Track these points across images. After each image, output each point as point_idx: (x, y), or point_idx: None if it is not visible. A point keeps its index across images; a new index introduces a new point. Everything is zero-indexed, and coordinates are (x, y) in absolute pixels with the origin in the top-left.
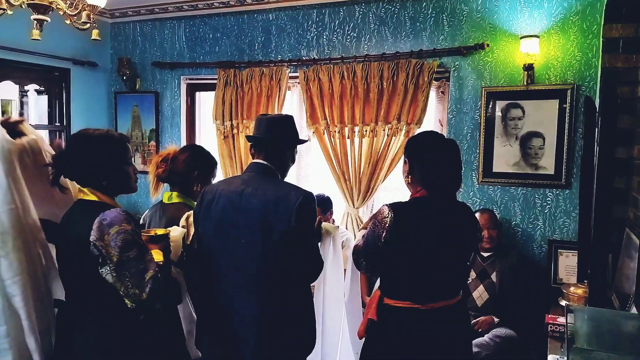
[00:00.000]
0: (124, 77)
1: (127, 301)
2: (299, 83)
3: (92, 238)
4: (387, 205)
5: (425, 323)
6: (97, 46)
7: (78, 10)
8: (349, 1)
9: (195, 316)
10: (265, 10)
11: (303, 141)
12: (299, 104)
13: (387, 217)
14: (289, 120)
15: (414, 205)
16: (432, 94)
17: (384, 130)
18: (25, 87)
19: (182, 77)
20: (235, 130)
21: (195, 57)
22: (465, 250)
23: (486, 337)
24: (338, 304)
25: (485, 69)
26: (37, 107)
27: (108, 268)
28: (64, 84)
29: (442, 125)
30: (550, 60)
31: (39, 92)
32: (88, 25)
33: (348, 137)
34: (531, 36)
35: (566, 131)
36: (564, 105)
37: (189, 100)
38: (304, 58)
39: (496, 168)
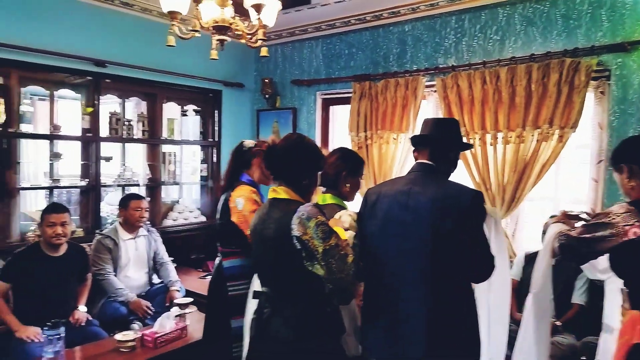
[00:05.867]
0: (266, 96)
1: (329, 285)
2: (434, 91)
3: (295, 233)
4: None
5: None
6: (244, 68)
7: (254, 30)
8: (491, 4)
9: (357, 314)
10: (401, 22)
11: (468, 146)
12: (435, 113)
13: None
14: (455, 123)
15: None
16: (589, 95)
17: (532, 135)
18: (185, 107)
19: (317, 92)
20: (369, 141)
21: (331, 73)
22: None
23: None
24: (502, 304)
25: None
26: (191, 125)
27: (316, 260)
28: (216, 104)
29: (601, 129)
30: None
31: (196, 112)
32: (260, 42)
33: (491, 144)
34: None
35: None
36: None
37: (324, 114)
38: (441, 66)
39: None
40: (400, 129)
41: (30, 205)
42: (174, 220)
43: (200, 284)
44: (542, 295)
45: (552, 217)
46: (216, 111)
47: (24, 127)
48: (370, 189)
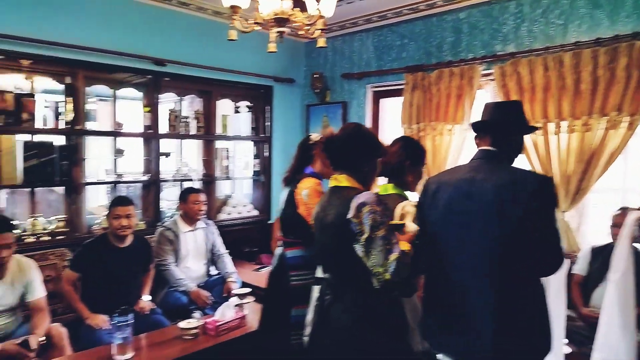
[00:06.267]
0: (316, 90)
1: (373, 280)
2: (492, 80)
3: (350, 216)
4: None
5: None
6: (294, 64)
7: (314, 21)
8: None
9: (420, 308)
10: (455, 9)
11: (533, 128)
12: None
13: None
14: (518, 105)
15: None
16: None
17: (599, 123)
18: (237, 104)
19: (368, 85)
20: (422, 133)
21: (382, 65)
22: None
23: None
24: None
25: None
26: (243, 121)
27: (359, 244)
28: (268, 100)
29: None
30: None
31: (248, 108)
32: (319, 33)
33: (554, 133)
34: None
35: None
36: None
37: (375, 107)
38: (498, 53)
39: None
40: (455, 120)
41: (92, 200)
42: (228, 214)
43: (255, 276)
44: (623, 282)
45: (620, 209)
46: (267, 107)
47: (89, 125)
48: (430, 178)
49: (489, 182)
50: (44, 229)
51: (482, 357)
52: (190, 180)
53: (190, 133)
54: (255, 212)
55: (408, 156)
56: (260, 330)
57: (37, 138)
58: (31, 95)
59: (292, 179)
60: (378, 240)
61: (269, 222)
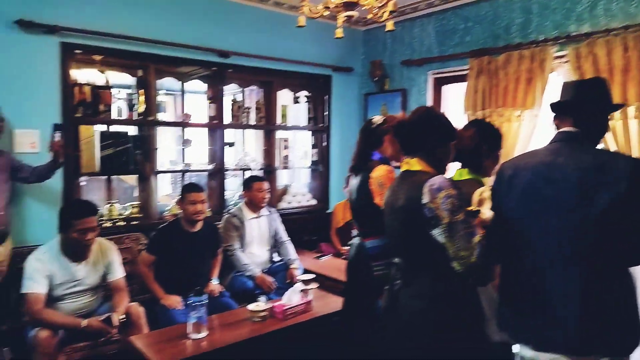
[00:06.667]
0: (375, 78)
1: (455, 264)
2: (566, 62)
3: (424, 201)
4: None
5: None
6: (352, 53)
7: (384, 2)
8: None
9: (496, 299)
10: None
11: (619, 106)
12: None
13: None
14: (600, 82)
15: None
16: None
17: None
18: (297, 94)
19: (429, 72)
20: (488, 120)
21: (444, 51)
22: None
23: None
24: None
25: None
26: (301, 111)
27: (439, 229)
28: (326, 89)
29: None
30: None
31: (307, 98)
32: (388, 15)
33: (635, 117)
34: None
35: None
36: None
37: (436, 94)
38: (572, 34)
39: None
40: (524, 105)
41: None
42: (288, 203)
43: (316, 264)
44: None
45: None
46: (326, 96)
47: (160, 116)
48: (505, 163)
49: (571, 165)
50: (120, 215)
51: (566, 346)
52: (250, 170)
53: (251, 123)
54: (314, 202)
55: (484, 140)
56: (343, 321)
57: (113, 128)
58: (107, 87)
59: (360, 167)
60: (459, 224)
61: (328, 211)
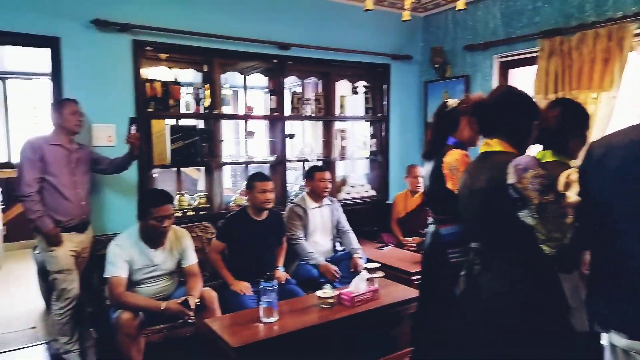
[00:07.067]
0: (436, 65)
1: (544, 247)
2: None
3: (510, 180)
4: None
5: None
6: (411, 40)
7: None
8: None
9: (581, 288)
10: None
11: None
12: None
13: None
14: None
15: None
16: None
17: None
18: (355, 84)
19: (494, 56)
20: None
21: (510, 33)
22: None
23: None
24: None
25: None
26: (359, 101)
27: (528, 211)
28: (385, 78)
29: None
30: None
31: (365, 88)
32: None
33: None
34: None
35: None
36: None
37: (502, 79)
38: None
39: None
40: (601, 87)
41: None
42: (347, 194)
43: (378, 253)
44: None
45: None
46: (385, 85)
47: (224, 110)
48: (594, 142)
49: None
50: (189, 205)
51: None
52: (308, 161)
53: (310, 115)
54: (373, 192)
55: (571, 120)
56: (419, 309)
57: (182, 122)
58: (176, 83)
59: (434, 152)
60: (551, 205)
61: (387, 202)
